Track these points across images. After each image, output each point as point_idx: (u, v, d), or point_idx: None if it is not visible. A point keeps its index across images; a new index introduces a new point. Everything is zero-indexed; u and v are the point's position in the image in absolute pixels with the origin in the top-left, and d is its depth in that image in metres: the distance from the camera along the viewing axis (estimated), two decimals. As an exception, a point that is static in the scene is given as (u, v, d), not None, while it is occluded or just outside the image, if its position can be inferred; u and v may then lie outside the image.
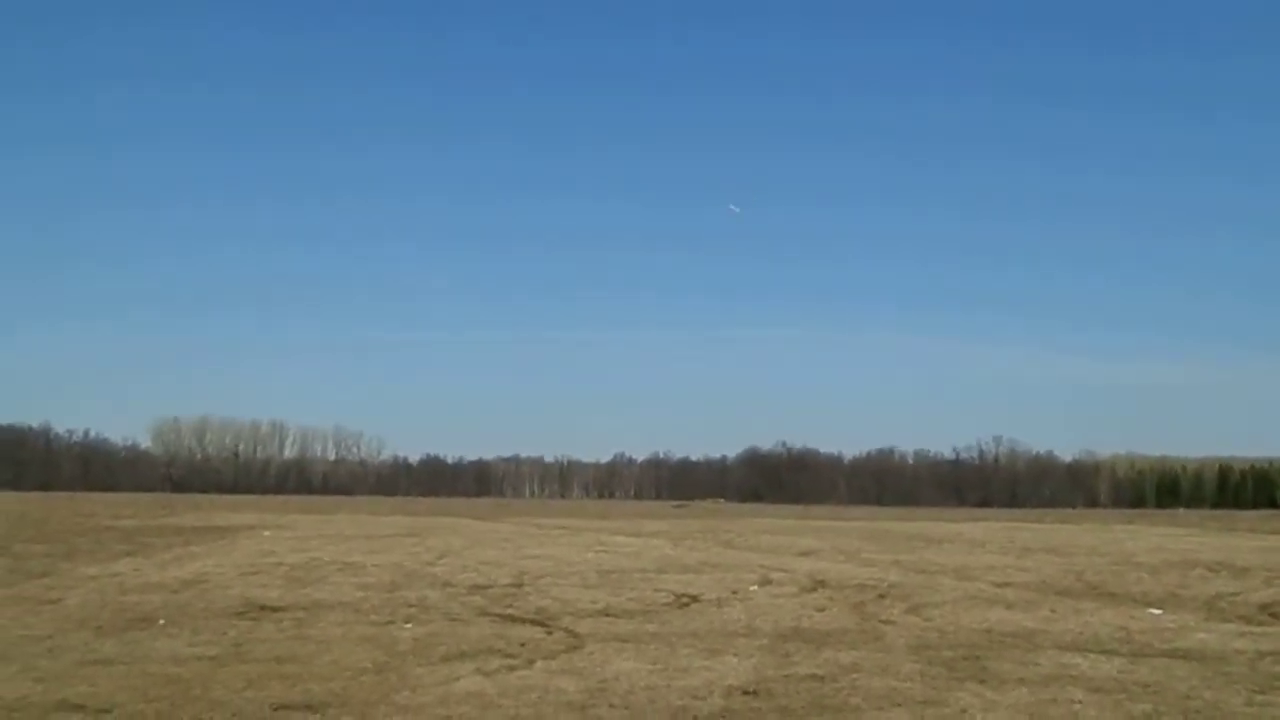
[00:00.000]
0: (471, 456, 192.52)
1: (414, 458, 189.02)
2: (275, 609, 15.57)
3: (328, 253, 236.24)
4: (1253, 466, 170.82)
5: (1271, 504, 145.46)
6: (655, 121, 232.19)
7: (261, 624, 14.06)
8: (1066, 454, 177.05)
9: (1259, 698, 9.72)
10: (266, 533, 37.74)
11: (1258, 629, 14.69)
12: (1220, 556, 29.21)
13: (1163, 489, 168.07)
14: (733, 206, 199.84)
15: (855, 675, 10.69)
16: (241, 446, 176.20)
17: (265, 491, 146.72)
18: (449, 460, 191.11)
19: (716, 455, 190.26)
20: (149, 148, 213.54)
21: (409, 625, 14.03)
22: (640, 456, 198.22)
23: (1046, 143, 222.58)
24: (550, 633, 13.53)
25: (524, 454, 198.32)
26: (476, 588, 18.80)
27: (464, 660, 11.38)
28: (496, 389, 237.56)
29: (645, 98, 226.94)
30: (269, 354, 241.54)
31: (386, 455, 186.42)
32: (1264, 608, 17.16)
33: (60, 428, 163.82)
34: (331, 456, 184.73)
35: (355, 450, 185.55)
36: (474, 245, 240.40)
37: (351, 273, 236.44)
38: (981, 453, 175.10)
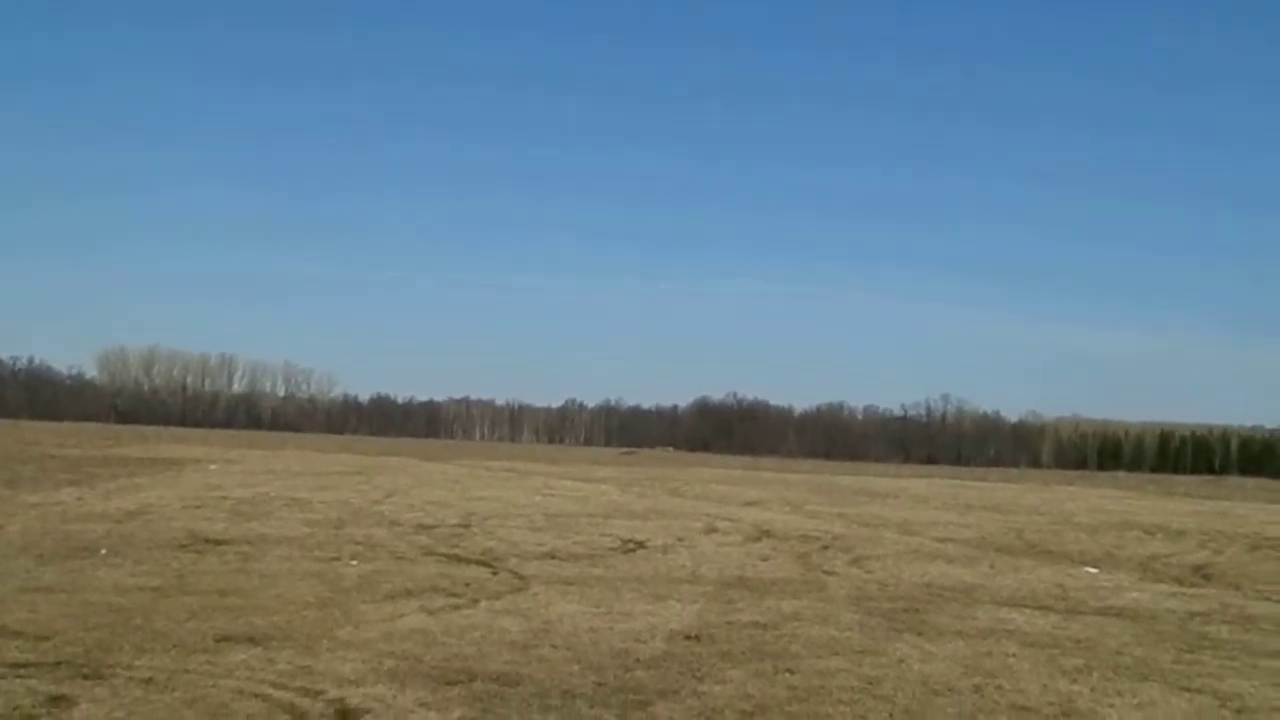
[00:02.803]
0: (422, 397, 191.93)
1: (364, 397, 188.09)
2: (220, 542, 15.52)
3: (284, 189, 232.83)
4: (1193, 433, 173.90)
5: (1209, 470, 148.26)
6: (623, 70, 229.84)
7: (205, 557, 14.01)
8: (1012, 415, 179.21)
9: (1187, 656, 9.96)
10: (213, 466, 37.52)
11: (1189, 590, 15.02)
12: (1157, 519, 29.77)
13: (1104, 452, 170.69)
14: None
15: (796, 624, 10.84)
16: (190, 379, 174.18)
17: (213, 426, 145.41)
18: (399, 400, 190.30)
19: (668, 404, 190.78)
20: (103, 82, 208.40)
21: (354, 562, 14.04)
22: (592, 403, 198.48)
23: (1001, 103, 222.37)
24: (495, 573, 13.60)
25: (475, 396, 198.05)
26: (423, 527, 18.82)
27: (408, 598, 11.41)
28: (449, 331, 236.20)
29: (613, 44, 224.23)
30: (221, 288, 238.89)
31: (337, 393, 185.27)
32: (1196, 569, 17.54)
33: (4, 354, 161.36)
34: (281, 393, 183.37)
35: (305, 387, 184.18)
36: (432, 188, 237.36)
37: (309, 210, 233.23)
38: (929, 411, 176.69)
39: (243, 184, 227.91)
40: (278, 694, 7.34)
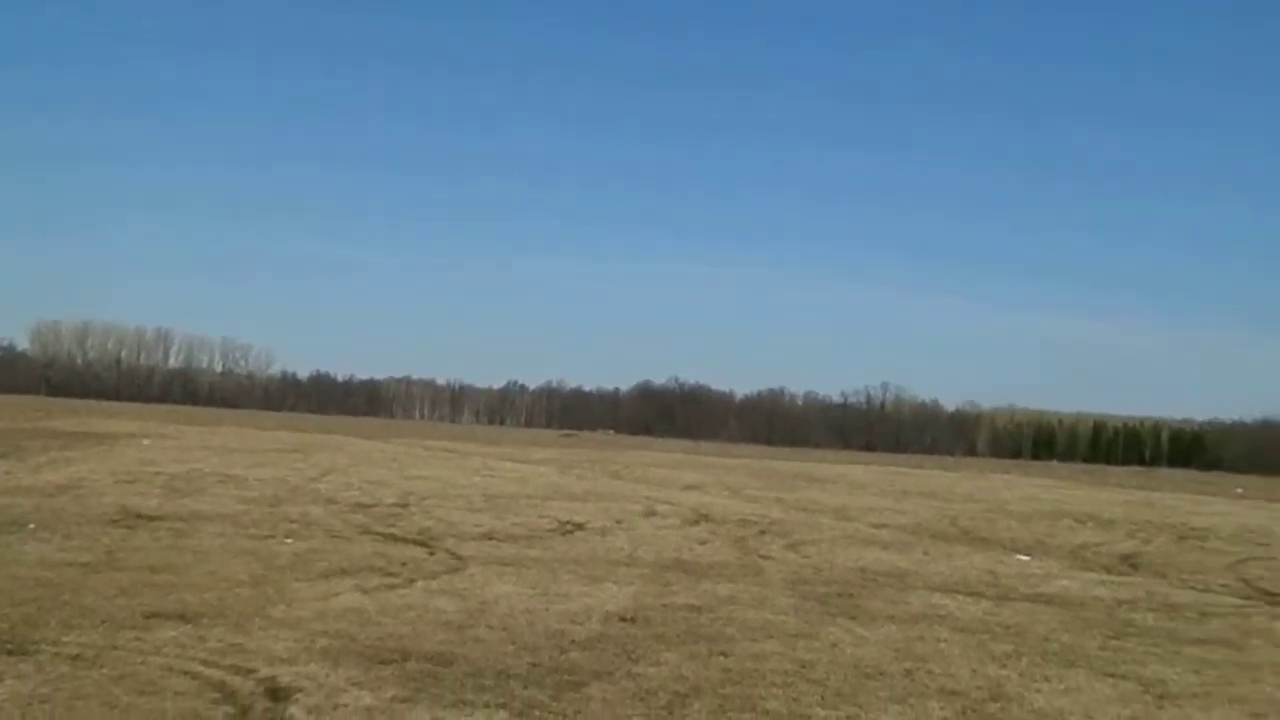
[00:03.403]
0: (362, 375, 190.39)
1: (303, 374, 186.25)
2: (152, 518, 15.32)
3: (225, 163, 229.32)
4: (1125, 425, 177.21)
5: (1140, 461, 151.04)
6: (565, 51, 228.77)
7: (137, 532, 13.83)
8: (950, 403, 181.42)
9: (1113, 642, 10.15)
10: (146, 441, 36.96)
11: (1118, 578, 15.29)
12: (1088, 508, 30.24)
13: (1039, 442, 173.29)
14: None
15: (732, 607, 10.91)
16: (124, 353, 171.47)
17: (148, 401, 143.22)
18: (339, 378, 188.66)
19: (609, 387, 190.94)
20: (52, 55, 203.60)
21: (289, 540, 13.92)
22: (533, 384, 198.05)
23: (938, 87, 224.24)
24: (432, 553, 13.55)
25: (416, 376, 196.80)
26: (360, 506, 18.70)
27: (343, 577, 11.34)
28: (391, 309, 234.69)
29: (555, 25, 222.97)
30: (157, 261, 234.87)
31: (275, 370, 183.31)
32: (1125, 558, 17.86)
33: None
34: (218, 369, 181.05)
35: (243, 363, 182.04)
36: (374, 166, 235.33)
37: (252, 184, 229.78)
38: (869, 398, 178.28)
39: (180, 158, 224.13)
40: (208, 672, 7.27)
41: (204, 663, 7.49)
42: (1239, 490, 51.86)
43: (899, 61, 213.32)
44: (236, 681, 7.09)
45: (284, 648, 8.04)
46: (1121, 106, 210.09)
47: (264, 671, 7.35)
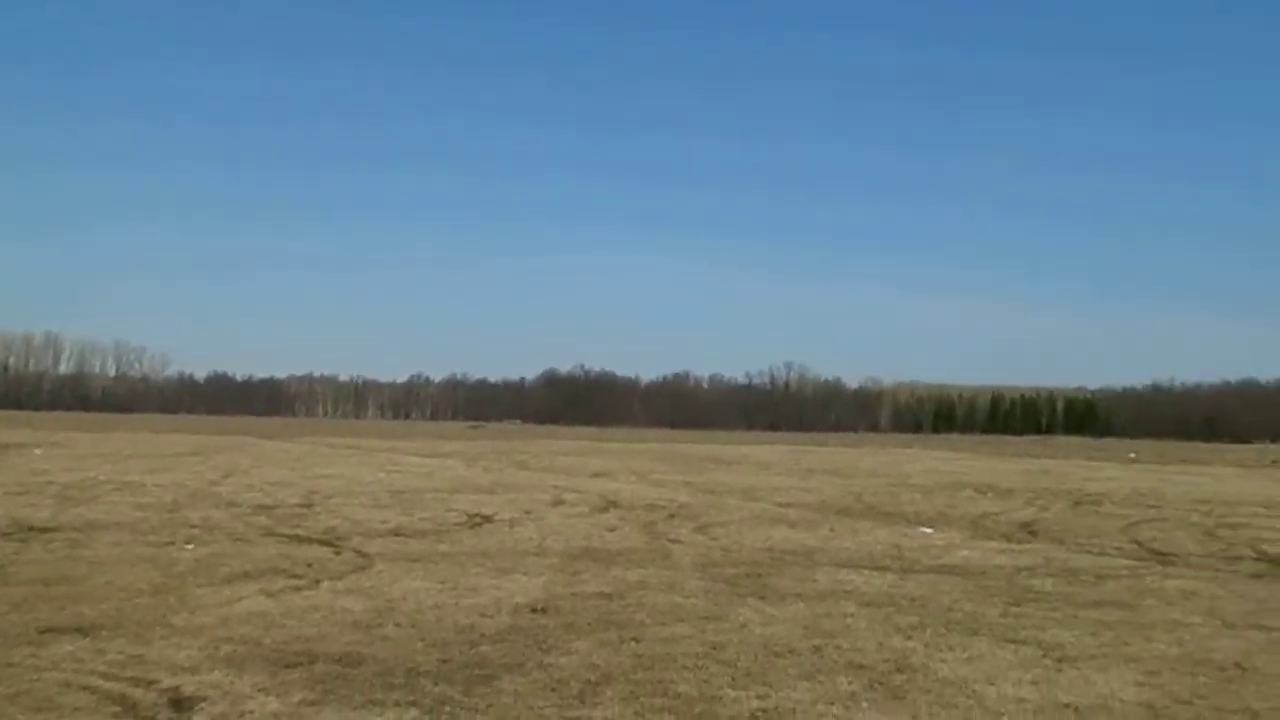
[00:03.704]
0: (262, 374, 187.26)
1: (201, 375, 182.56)
2: (45, 530, 14.89)
3: (116, 166, 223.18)
4: (1022, 396, 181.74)
5: (1037, 430, 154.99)
6: (473, 42, 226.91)
7: (30, 545, 13.42)
8: (852, 381, 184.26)
9: (1014, 609, 10.39)
10: (38, 451, 35.91)
11: (1017, 546, 15.66)
12: (987, 479, 30.94)
13: (940, 415, 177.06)
14: None
15: (642, 592, 10.94)
16: (12, 360, 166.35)
17: (38, 408, 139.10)
18: (238, 378, 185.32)
19: (515, 377, 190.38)
20: None
21: (190, 546, 13.63)
22: (438, 377, 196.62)
23: (840, 70, 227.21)
24: (338, 553, 13.37)
25: (318, 373, 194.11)
26: (263, 508, 18.39)
27: (247, 581, 11.14)
28: (290, 305, 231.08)
29: (463, 20, 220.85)
30: (46, 264, 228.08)
31: (171, 372, 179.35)
32: (1023, 526, 18.30)
33: None
34: (112, 372, 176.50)
35: (137, 366, 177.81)
36: (269, 163, 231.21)
37: (140, 185, 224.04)
38: (773, 378, 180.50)
39: (71, 162, 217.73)
40: (107, 685, 7.08)
41: (103, 676, 7.30)
42: (1131, 455, 53.45)
43: (802, 48, 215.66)
44: (138, 694, 6.93)
45: (186, 656, 7.87)
46: (1012, 85, 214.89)
47: (166, 682, 7.19)
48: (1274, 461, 47.48)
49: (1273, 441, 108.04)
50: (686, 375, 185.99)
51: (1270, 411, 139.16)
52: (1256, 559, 14.55)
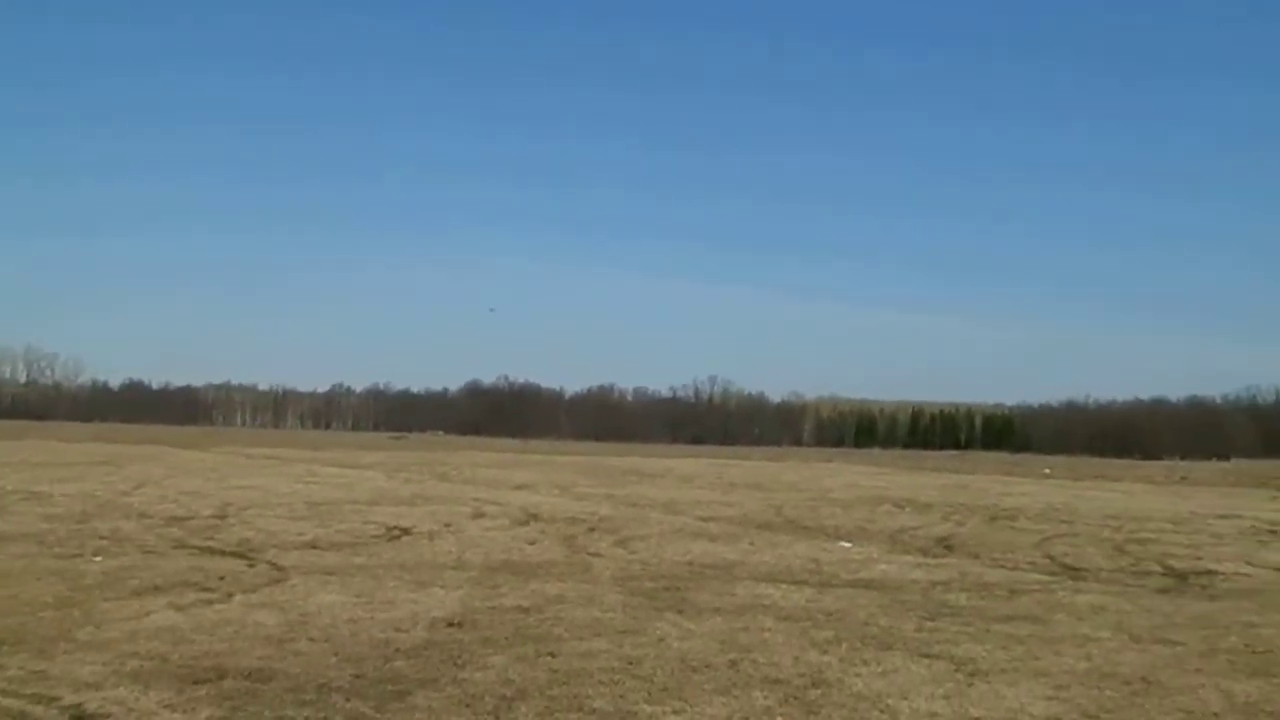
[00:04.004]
0: (179, 382, 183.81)
1: (115, 382, 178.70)
2: (-54, 541, 14.48)
3: (31, 172, 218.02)
4: (941, 411, 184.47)
5: (956, 445, 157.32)
6: (399, 47, 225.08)
7: (-71, 557, 13.04)
8: (776, 395, 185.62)
9: (928, 623, 10.51)
10: (-58, 459, 34.91)
11: (933, 560, 15.85)
12: (906, 493, 31.26)
13: (861, 430, 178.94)
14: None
15: (560, 606, 10.90)
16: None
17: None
18: (153, 386, 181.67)
19: (438, 387, 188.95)
20: None
21: (98, 558, 13.34)
22: (360, 387, 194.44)
23: (767, 78, 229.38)
24: (252, 565, 13.16)
25: (236, 381, 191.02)
26: (175, 519, 18.04)
27: (157, 594, 10.92)
28: (208, 312, 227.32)
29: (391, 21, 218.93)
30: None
31: (85, 379, 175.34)
32: (940, 540, 18.52)
33: None
34: (22, 379, 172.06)
35: (49, 373, 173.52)
36: (183, 167, 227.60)
37: (56, 191, 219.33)
38: (697, 391, 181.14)
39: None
40: (7, 701, 6.90)
41: (2, 692, 7.11)
42: (1046, 470, 54.37)
43: (726, 53, 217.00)
44: (38, 711, 6.76)
45: (91, 672, 7.69)
46: (936, 93, 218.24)
47: (69, 699, 7.02)
48: (1183, 478, 48.65)
49: (1182, 458, 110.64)
50: (611, 387, 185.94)
51: (1180, 429, 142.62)
52: (1164, 574, 14.87)
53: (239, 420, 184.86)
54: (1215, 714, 7.45)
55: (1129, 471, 56.49)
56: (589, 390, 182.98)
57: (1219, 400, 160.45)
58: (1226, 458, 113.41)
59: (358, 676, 7.77)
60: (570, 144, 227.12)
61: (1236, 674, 8.61)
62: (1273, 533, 21.19)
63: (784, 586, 12.66)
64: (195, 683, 7.47)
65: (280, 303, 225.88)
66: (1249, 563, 16.27)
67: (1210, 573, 15.01)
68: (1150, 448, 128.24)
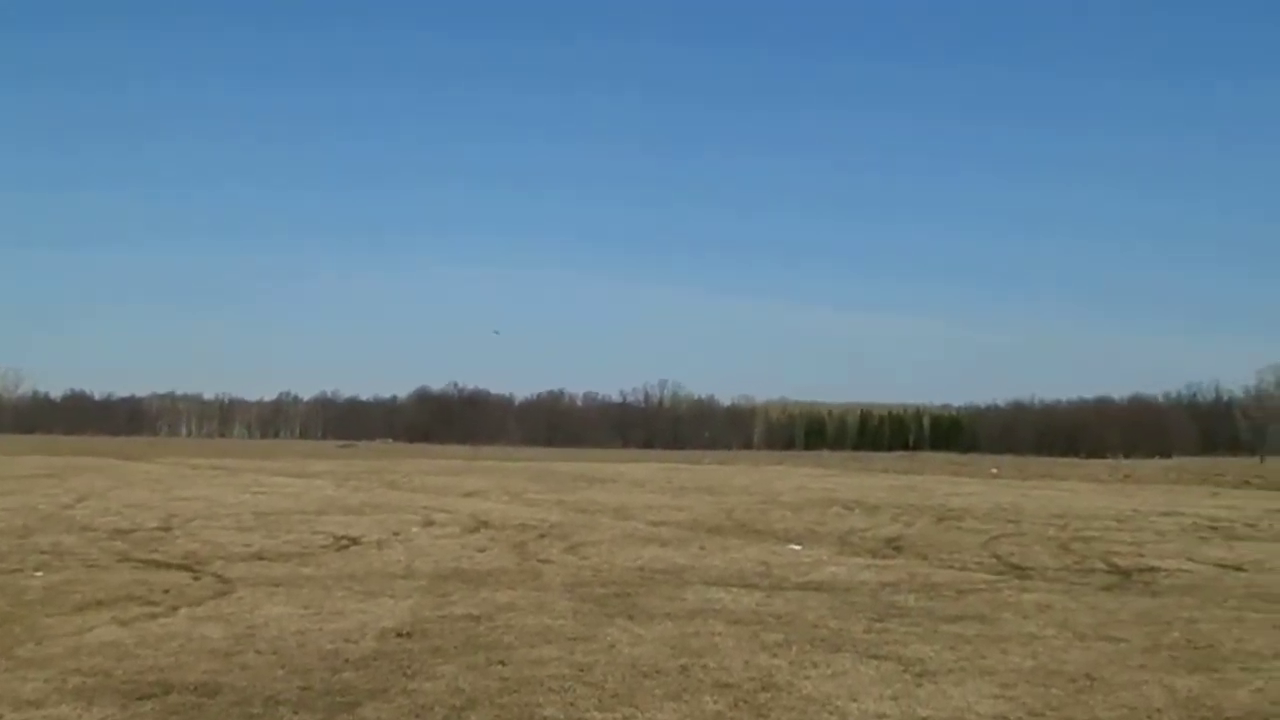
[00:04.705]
0: (122, 393, 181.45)
1: (56, 393, 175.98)
2: (-118, 558, 14.18)
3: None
4: (890, 413, 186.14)
5: (905, 446, 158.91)
6: (343, 58, 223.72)
7: None
8: (726, 398, 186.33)
9: (877, 625, 10.59)
10: (-122, 474, 34.20)
11: (882, 562, 15.96)
12: (855, 495, 31.45)
13: (811, 432, 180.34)
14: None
15: (511, 614, 10.87)
16: None
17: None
18: (96, 396, 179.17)
19: (386, 394, 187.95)
20: None
21: (39, 573, 13.11)
22: (307, 395, 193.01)
23: (711, 81, 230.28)
24: (198, 578, 13.01)
25: (181, 391, 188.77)
26: (119, 532, 17.79)
27: (100, 609, 10.76)
28: (152, 321, 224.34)
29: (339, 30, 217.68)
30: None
31: (25, 390, 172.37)
32: (889, 542, 18.65)
33: None
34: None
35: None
36: (119, 177, 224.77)
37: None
38: (647, 396, 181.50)
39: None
40: (-55, 722, 6.78)
41: (-60, 712, 6.98)
42: (993, 470, 54.94)
43: (669, 58, 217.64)
44: (-23, 730, 6.64)
45: (32, 689, 7.57)
46: (883, 94, 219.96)
47: (10, 717, 6.91)
48: (1126, 476, 49.36)
49: (1126, 456, 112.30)
50: (561, 393, 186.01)
51: (1123, 427, 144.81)
52: (1108, 571, 15.08)
53: (184, 430, 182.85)
54: (1158, 709, 7.56)
55: (1074, 470, 57.25)
56: (539, 396, 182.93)
57: (1161, 399, 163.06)
58: (1169, 455, 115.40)
59: (305, 688, 7.71)
60: (517, 149, 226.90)
61: (1178, 669, 8.75)
62: (1213, 529, 21.56)
63: (734, 590, 12.69)
64: (139, 698, 7.37)
65: (225, 311, 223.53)
66: (1190, 559, 16.53)
67: (1153, 569, 15.24)
68: (1095, 446, 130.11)
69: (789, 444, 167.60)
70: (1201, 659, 9.18)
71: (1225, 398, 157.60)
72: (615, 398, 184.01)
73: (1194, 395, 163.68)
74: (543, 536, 18.26)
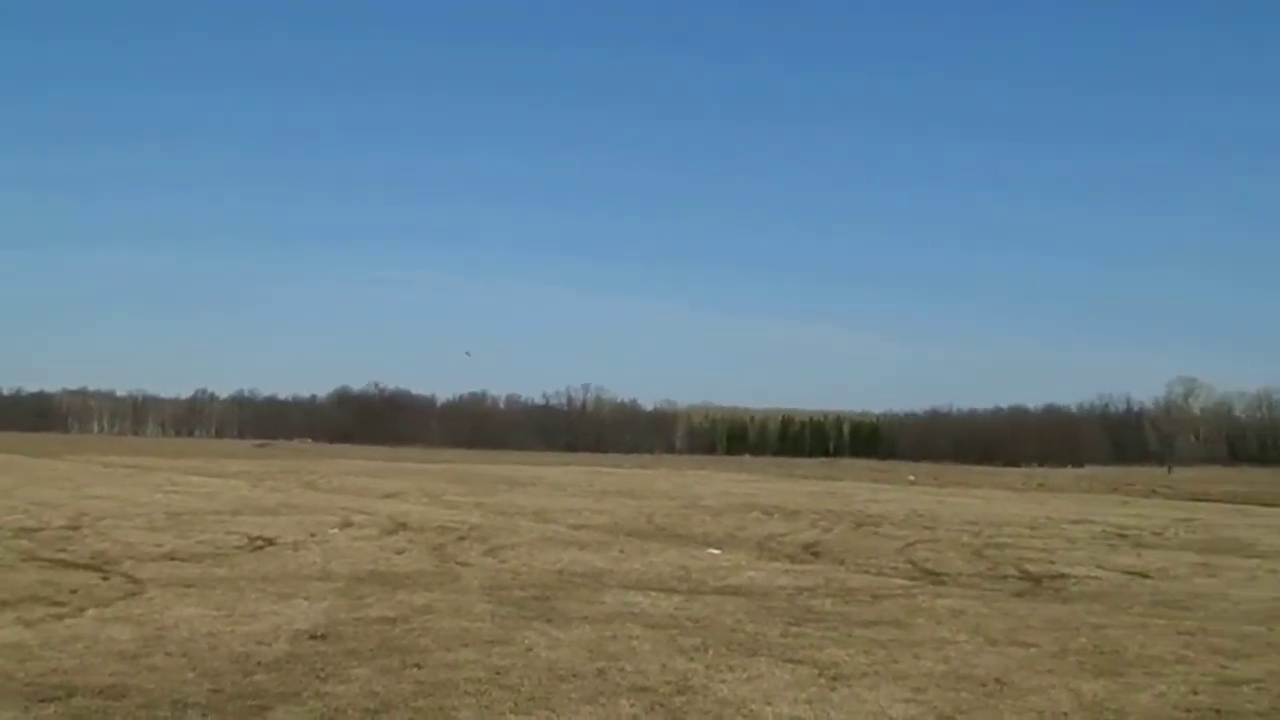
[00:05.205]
0: (31, 388, 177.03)
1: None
2: None
3: None
4: (811, 419, 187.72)
5: (825, 452, 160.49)
6: (281, 65, 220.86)
7: None
8: (649, 403, 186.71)
9: (794, 629, 10.66)
10: None
11: (799, 567, 16.09)
12: (776, 500, 31.72)
13: (733, 437, 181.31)
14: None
15: (428, 617, 10.78)
16: None
17: None
18: (5, 391, 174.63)
19: (306, 394, 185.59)
20: None
21: (-59, 573, 12.76)
22: (224, 393, 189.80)
23: (651, 89, 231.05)
24: (107, 578, 12.73)
25: (93, 387, 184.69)
26: (25, 530, 17.37)
27: (3, 609, 10.49)
28: (62, 315, 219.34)
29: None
30: None
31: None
32: (807, 547, 18.82)
33: None
34: None
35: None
36: (50, 179, 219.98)
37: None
38: (570, 399, 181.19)
39: None
40: None
41: None
42: (911, 477, 55.72)
43: (604, 65, 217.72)
44: None
45: (-70, 692, 7.35)
46: (813, 103, 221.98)
47: (-96, 720, 6.71)
48: (1040, 484, 50.29)
49: (1040, 465, 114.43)
50: (483, 395, 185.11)
51: (1038, 437, 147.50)
52: (1020, 578, 15.35)
53: (96, 427, 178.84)
54: (1064, 713, 7.70)
55: (989, 478, 58.24)
56: (461, 397, 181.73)
57: (1074, 409, 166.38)
58: (1081, 464, 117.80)
59: (215, 691, 7.57)
60: (441, 155, 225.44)
61: (1085, 674, 8.92)
62: (1122, 536, 22.06)
63: (653, 594, 12.71)
64: (43, 701, 7.19)
65: (140, 307, 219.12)
66: (1099, 566, 16.90)
67: (1063, 576, 15.55)
68: (1010, 455, 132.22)
69: (711, 449, 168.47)
70: (1107, 664, 9.36)
71: (1136, 409, 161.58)
72: (538, 400, 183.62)
73: (1106, 406, 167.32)
74: (462, 539, 18.15)
